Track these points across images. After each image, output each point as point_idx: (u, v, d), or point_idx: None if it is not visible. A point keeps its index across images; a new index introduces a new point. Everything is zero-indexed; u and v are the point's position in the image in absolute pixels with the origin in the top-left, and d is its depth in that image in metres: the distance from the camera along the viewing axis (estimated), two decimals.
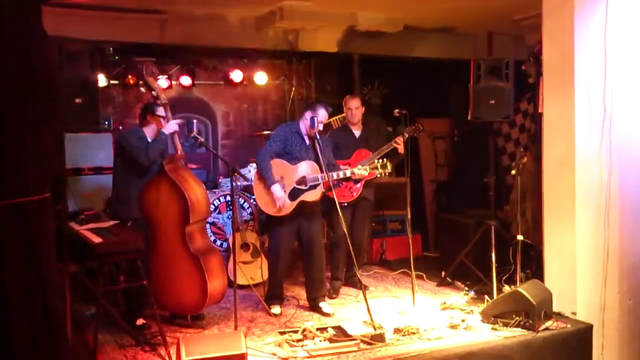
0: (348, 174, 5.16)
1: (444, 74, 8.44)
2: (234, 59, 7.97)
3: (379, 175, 5.31)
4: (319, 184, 5.10)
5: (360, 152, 5.88)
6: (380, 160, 5.26)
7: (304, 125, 5.22)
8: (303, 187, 5.11)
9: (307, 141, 5.23)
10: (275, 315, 5.24)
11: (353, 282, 6.04)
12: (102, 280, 4.31)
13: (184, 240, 4.75)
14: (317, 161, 5.10)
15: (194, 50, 7.35)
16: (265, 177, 5.13)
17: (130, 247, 4.36)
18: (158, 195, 4.77)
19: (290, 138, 5.21)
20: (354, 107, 5.90)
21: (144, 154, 4.86)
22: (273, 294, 5.40)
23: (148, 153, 4.86)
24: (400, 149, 5.67)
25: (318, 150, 5.07)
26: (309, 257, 5.34)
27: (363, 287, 5.11)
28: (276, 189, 5.09)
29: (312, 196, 5.12)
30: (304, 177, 5.11)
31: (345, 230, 4.84)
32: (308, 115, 5.16)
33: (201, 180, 7.57)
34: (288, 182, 5.13)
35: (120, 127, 7.20)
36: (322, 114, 5.14)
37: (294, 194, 5.13)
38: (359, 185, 5.75)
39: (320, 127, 5.15)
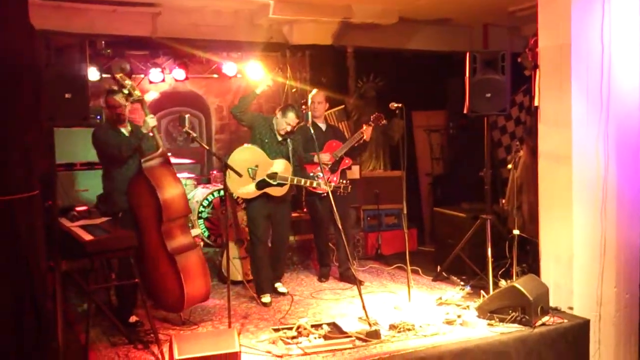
0: (315, 185, 5.58)
1: (440, 66, 8.37)
2: (228, 52, 7.88)
3: (338, 194, 5.50)
4: (286, 184, 5.42)
5: (330, 143, 6.07)
6: (344, 182, 5.60)
7: (275, 123, 5.52)
8: (272, 182, 5.37)
9: (279, 137, 5.51)
10: (265, 304, 5.32)
11: (348, 277, 6.02)
12: (94, 278, 4.26)
13: (161, 238, 4.70)
14: (288, 160, 5.49)
15: (187, 43, 7.27)
16: (247, 96, 5.54)
17: (122, 245, 4.31)
18: (139, 193, 4.75)
19: (262, 125, 5.53)
20: (317, 102, 6.13)
21: (116, 149, 4.76)
22: (260, 279, 5.49)
23: (121, 149, 4.75)
24: (367, 136, 5.94)
25: (290, 150, 5.51)
26: (273, 235, 5.67)
27: (358, 282, 5.06)
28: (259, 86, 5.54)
29: (277, 191, 5.44)
30: (275, 173, 5.39)
31: (339, 224, 4.81)
32: (279, 115, 5.48)
33: (195, 175, 7.56)
34: (260, 173, 5.40)
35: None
36: (291, 117, 5.41)
37: (261, 184, 5.40)
38: (335, 178, 5.93)
39: (288, 129, 5.47)
